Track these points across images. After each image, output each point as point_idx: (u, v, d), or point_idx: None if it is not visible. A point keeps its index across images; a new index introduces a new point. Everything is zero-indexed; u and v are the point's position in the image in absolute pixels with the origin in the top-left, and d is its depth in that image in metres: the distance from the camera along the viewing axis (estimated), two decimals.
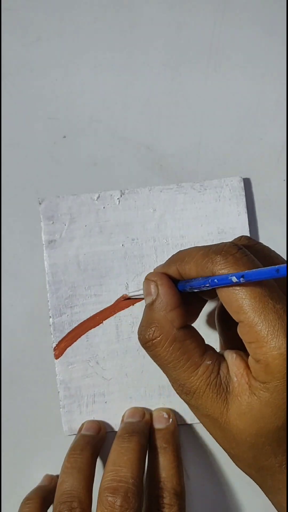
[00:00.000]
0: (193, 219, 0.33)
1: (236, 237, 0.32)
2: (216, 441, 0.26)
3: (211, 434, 0.26)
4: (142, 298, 0.32)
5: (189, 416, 0.32)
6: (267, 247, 0.27)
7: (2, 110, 0.34)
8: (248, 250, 0.24)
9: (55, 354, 0.32)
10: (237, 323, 0.24)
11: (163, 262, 0.28)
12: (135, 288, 0.33)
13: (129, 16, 0.35)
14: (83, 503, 0.27)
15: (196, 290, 0.25)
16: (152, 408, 0.32)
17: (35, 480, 0.32)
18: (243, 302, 0.23)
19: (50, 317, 0.32)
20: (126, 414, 0.32)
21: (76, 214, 0.33)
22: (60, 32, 0.35)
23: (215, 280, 0.23)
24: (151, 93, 0.34)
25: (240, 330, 0.23)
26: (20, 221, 0.34)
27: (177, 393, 0.26)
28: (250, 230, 0.33)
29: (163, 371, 0.26)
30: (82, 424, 0.32)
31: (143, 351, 0.32)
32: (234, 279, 0.22)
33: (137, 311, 0.33)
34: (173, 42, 0.34)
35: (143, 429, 0.31)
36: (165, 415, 0.32)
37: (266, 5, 0.34)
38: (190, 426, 0.33)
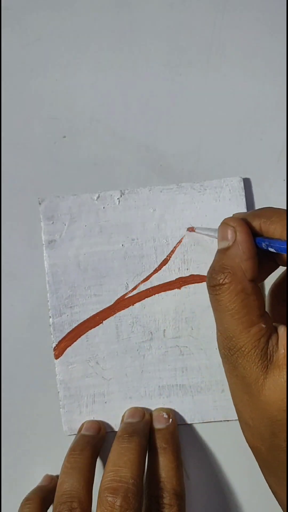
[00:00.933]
0: (193, 219, 0.33)
1: None
2: (236, 408, 0.26)
3: (235, 399, 0.25)
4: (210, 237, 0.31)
5: (189, 416, 0.32)
6: None
7: (2, 110, 0.34)
8: None
9: (55, 354, 0.32)
10: None
11: (246, 212, 0.27)
12: (133, 285, 0.33)
13: (129, 16, 0.34)
14: (83, 503, 0.27)
15: (272, 250, 0.24)
16: (152, 408, 0.32)
17: (35, 480, 0.32)
18: None
19: (50, 317, 0.32)
20: (126, 414, 0.32)
21: (76, 214, 0.33)
22: (60, 32, 0.35)
23: None
24: (151, 93, 0.34)
25: None
26: (20, 221, 0.34)
27: (220, 346, 0.26)
28: None
29: (217, 319, 0.26)
30: (82, 424, 0.32)
31: (143, 351, 0.32)
32: None
33: (136, 311, 0.33)
34: (173, 42, 0.34)
35: (143, 429, 0.31)
36: (165, 415, 0.32)
37: (266, 5, 0.34)
38: (190, 426, 0.33)
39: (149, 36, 0.34)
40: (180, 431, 0.33)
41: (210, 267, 0.26)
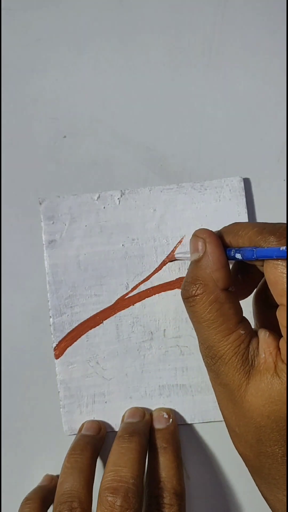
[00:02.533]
0: (193, 219, 0.33)
1: None
2: (223, 416, 0.26)
3: (221, 407, 0.26)
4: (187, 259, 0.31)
5: (189, 416, 0.32)
6: None
7: (2, 110, 0.34)
8: None
9: (55, 354, 0.32)
10: (274, 306, 0.24)
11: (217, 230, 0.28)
12: (133, 285, 0.33)
13: (129, 16, 0.35)
14: (83, 503, 0.27)
15: (239, 257, 0.25)
16: (152, 408, 0.32)
17: (35, 480, 0.32)
18: None
19: (50, 317, 0.32)
20: (126, 414, 0.32)
21: (77, 214, 0.33)
22: (60, 32, 0.35)
23: (262, 252, 0.23)
24: (151, 93, 0.34)
25: (279, 313, 0.24)
26: (20, 221, 0.34)
27: (203, 355, 0.26)
28: None
29: (196, 329, 0.26)
30: (82, 424, 0.32)
31: (143, 351, 0.32)
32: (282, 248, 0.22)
33: (137, 311, 0.33)
34: (173, 42, 0.34)
35: (143, 429, 0.31)
36: (165, 415, 0.32)
37: (266, 5, 0.34)
38: (190, 426, 0.33)
39: (149, 36, 0.34)
40: (180, 431, 0.33)
41: (184, 280, 0.26)
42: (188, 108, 0.34)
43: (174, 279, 0.33)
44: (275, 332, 0.25)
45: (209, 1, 0.34)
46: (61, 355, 0.32)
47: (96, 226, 0.33)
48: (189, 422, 0.32)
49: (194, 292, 0.25)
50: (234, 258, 0.25)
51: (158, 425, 0.31)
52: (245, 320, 0.25)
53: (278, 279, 0.23)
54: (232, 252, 0.25)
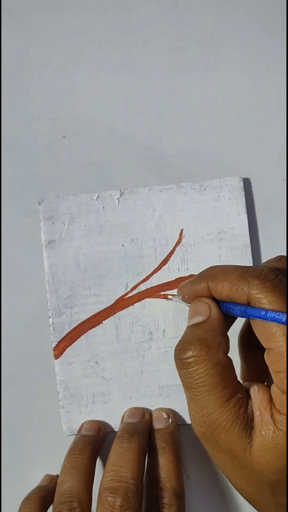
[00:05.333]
0: (193, 219, 0.33)
1: (236, 237, 0.32)
2: (230, 480, 0.25)
3: (225, 472, 0.25)
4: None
5: (189, 416, 0.32)
6: None
7: (2, 110, 0.34)
8: None
9: (55, 354, 0.33)
10: (259, 348, 0.23)
11: (191, 278, 0.27)
12: (132, 285, 0.33)
13: (129, 16, 0.34)
14: (83, 503, 0.27)
15: (230, 315, 0.25)
16: (152, 408, 0.32)
17: (35, 480, 0.32)
18: (276, 330, 0.22)
19: (49, 317, 0.32)
20: (125, 414, 0.32)
21: (76, 214, 0.33)
22: (59, 32, 0.35)
23: (262, 313, 0.23)
24: (151, 93, 0.34)
25: (268, 358, 0.23)
26: (19, 221, 0.34)
27: (196, 425, 0.25)
28: (250, 230, 0.33)
29: (190, 396, 0.25)
30: (82, 424, 0.32)
31: (143, 351, 0.32)
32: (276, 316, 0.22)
33: (136, 311, 0.33)
34: (173, 42, 0.34)
35: (143, 429, 0.31)
36: (165, 415, 0.32)
37: (266, 5, 0.34)
38: (190, 426, 0.33)
39: (148, 36, 0.34)
40: (180, 431, 0.33)
41: (181, 340, 0.25)
42: (187, 108, 0.34)
43: (174, 279, 0.33)
44: (260, 379, 0.25)
45: (209, 1, 0.34)
46: (61, 355, 0.32)
47: (96, 226, 0.33)
48: (188, 422, 0.32)
49: (196, 352, 0.24)
50: (226, 312, 0.25)
51: (157, 425, 0.31)
52: (239, 383, 0.25)
53: (264, 323, 0.23)
54: (224, 308, 0.25)
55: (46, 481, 0.32)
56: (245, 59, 0.34)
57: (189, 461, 0.33)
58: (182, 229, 0.33)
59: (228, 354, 0.25)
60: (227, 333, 0.26)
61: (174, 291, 0.33)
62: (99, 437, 0.32)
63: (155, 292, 0.33)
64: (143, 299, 0.33)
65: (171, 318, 0.32)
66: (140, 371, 0.33)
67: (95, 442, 0.31)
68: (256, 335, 0.24)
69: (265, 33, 0.34)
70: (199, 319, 0.25)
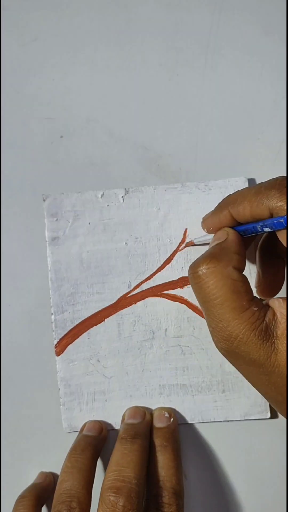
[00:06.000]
0: (197, 218, 0.33)
1: None
2: (259, 390, 0.25)
3: (252, 383, 0.25)
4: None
5: (189, 416, 0.32)
6: None
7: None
8: None
9: (56, 351, 0.32)
10: (277, 257, 0.24)
11: (212, 210, 0.28)
12: (135, 284, 0.33)
13: (126, 16, 0.34)
14: (82, 503, 0.27)
15: (268, 230, 0.25)
16: (153, 407, 0.32)
17: (34, 476, 0.33)
18: None
19: (52, 314, 0.32)
20: (126, 414, 0.32)
21: (80, 211, 0.33)
22: (57, 32, 0.34)
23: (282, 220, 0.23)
24: (148, 93, 0.34)
25: None
26: (22, 219, 0.33)
27: (216, 341, 0.25)
28: None
29: (205, 311, 0.25)
30: (84, 424, 0.32)
31: (144, 350, 0.32)
32: None
33: (139, 310, 0.33)
34: (170, 41, 0.34)
35: (144, 430, 0.31)
36: (166, 415, 0.32)
37: (264, 4, 0.34)
38: (190, 426, 0.33)
39: (146, 35, 0.34)
40: (180, 430, 0.33)
41: (197, 258, 0.26)
42: (185, 108, 0.34)
43: (177, 278, 0.33)
44: (275, 287, 0.26)
45: (206, 1, 0.34)
46: (62, 352, 0.32)
47: (100, 224, 0.33)
48: (189, 421, 0.32)
49: (205, 265, 0.25)
50: (261, 232, 0.26)
51: (159, 423, 0.31)
52: (256, 298, 0.25)
53: None
54: (258, 227, 0.25)
55: (40, 478, 0.32)
56: (243, 59, 0.34)
57: (188, 460, 0.33)
58: (186, 229, 0.33)
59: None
60: (244, 256, 0.26)
61: (177, 291, 0.33)
62: (101, 438, 0.32)
63: (158, 291, 0.33)
64: (146, 297, 0.33)
65: (174, 317, 0.32)
66: (141, 370, 0.32)
67: (96, 442, 0.31)
68: (283, 243, 0.24)
69: (263, 32, 0.34)
70: (217, 242, 0.26)
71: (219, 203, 0.27)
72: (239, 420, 0.32)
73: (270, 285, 0.30)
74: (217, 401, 0.32)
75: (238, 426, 0.33)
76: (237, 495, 0.33)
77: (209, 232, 0.29)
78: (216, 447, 0.33)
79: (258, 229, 0.25)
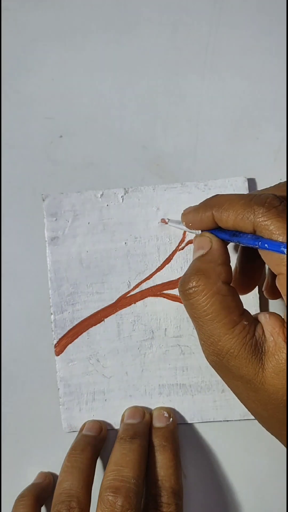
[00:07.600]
0: None
1: None
2: (246, 407, 0.25)
3: (240, 399, 0.25)
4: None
5: (189, 416, 0.32)
6: None
7: None
8: None
9: (56, 351, 0.32)
10: (259, 259, 0.24)
11: (196, 204, 0.28)
12: (135, 284, 0.33)
13: (126, 16, 0.34)
14: (81, 503, 0.27)
15: (239, 243, 0.25)
16: (152, 407, 0.32)
17: (34, 476, 0.33)
18: (285, 256, 0.22)
19: (51, 314, 0.32)
20: (126, 413, 0.32)
21: (80, 211, 0.33)
22: (56, 32, 0.34)
23: (266, 245, 0.23)
24: (148, 93, 0.34)
25: (279, 282, 0.23)
26: (21, 219, 0.33)
27: (207, 354, 0.25)
28: None
29: (197, 326, 0.25)
30: (84, 424, 0.32)
31: (144, 350, 0.32)
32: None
33: (138, 309, 0.33)
34: (170, 42, 0.34)
35: (144, 430, 0.31)
36: (166, 414, 0.32)
37: (263, 5, 0.34)
38: (189, 426, 0.33)
39: (145, 35, 0.34)
40: (179, 430, 0.33)
41: (184, 274, 0.26)
42: (184, 107, 0.34)
43: (176, 278, 0.33)
44: (251, 283, 0.26)
45: (206, 1, 0.34)
46: (62, 352, 0.32)
47: (99, 224, 0.33)
48: (188, 421, 0.32)
49: (195, 283, 0.25)
50: (231, 241, 0.26)
51: (158, 423, 0.31)
52: (246, 312, 0.25)
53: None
54: (230, 238, 0.25)
55: (40, 478, 0.32)
56: (242, 59, 0.34)
57: (187, 460, 0.33)
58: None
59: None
60: (229, 264, 0.26)
61: (177, 290, 0.32)
62: (100, 438, 0.32)
63: (158, 290, 0.33)
64: (145, 297, 0.33)
65: (173, 317, 0.32)
66: (141, 370, 0.32)
67: (96, 442, 0.31)
68: (264, 260, 0.24)
69: (262, 33, 0.34)
70: (201, 252, 0.26)
71: (204, 201, 0.27)
72: (239, 420, 0.32)
73: (245, 283, 0.30)
74: (217, 401, 0.32)
75: (237, 426, 0.33)
76: (237, 495, 0.33)
77: (187, 227, 0.29)
78: (216, 447, 0.33)
79: (244, 242, 0.25)
